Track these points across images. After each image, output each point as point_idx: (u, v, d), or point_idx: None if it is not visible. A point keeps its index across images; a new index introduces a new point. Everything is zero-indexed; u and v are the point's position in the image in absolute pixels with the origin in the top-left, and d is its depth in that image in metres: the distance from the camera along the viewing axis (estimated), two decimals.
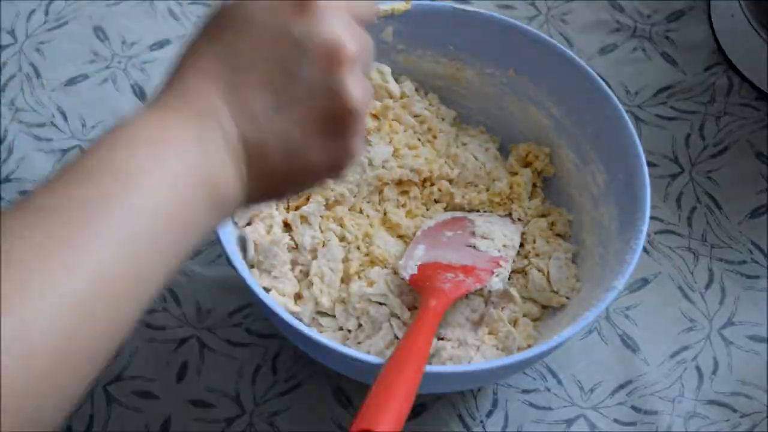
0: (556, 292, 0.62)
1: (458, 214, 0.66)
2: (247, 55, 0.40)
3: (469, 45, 0.68)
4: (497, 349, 0.59)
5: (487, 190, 0.67)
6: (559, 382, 0.64)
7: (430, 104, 0.70)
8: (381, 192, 0.66)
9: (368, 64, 0.43)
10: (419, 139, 0.68)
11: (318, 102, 0.40)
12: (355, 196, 0.65)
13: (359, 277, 0.63)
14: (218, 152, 0.39)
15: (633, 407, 0.63)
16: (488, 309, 0.61)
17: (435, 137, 0.69)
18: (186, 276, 0.66)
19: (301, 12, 0.40)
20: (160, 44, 0.77)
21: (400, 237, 0.65)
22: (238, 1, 0.41)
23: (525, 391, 0.64)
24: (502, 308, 0.61)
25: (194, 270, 0.66)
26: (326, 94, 0.40)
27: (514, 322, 0.61)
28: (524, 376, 0.64)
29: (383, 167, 0.65)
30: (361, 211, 0.65)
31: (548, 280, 0.63)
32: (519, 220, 0.66)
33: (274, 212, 0.63)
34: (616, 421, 0.63)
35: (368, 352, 0.57)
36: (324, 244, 0.63)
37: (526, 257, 0.65)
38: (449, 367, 0.56)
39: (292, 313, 0.58)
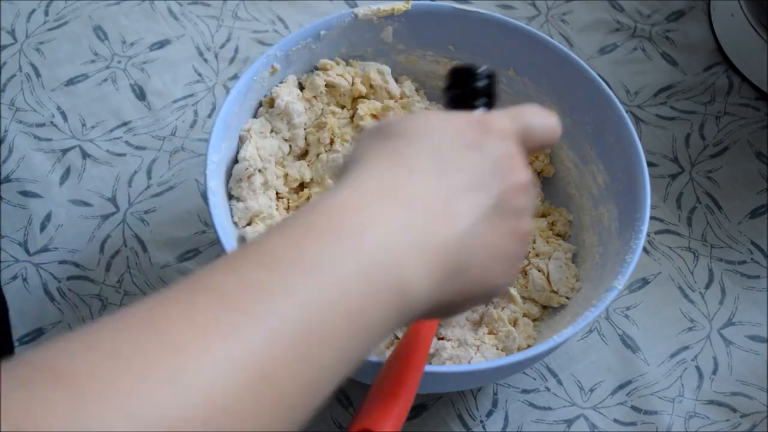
0: (556, 292, 0.62)
1: None
2: (450, 157, 0.39)
3: (469, 45, 0.68)
4: (497, 349, 0.59)
5: None
6: (559, 382, 0.64)
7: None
8: None
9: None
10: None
11: (516, 223, 0.41)
12: None
13: None
14: (418, 253, 0.36)
15: (633, 407, 0.63)
16: (488, 309, 0.61)
17: None
18: (186, 276, 0.66)
19: (485, 132, 0.40)
20: (160, 44, 0.77)
21: None
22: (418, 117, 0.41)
23: (525, 391, 0.63)
24: (502, 308, 0.61)
25: (194, 270, 0.66)
26: (522, 215, 0.41)
27: (514, 322, 0.61)
28: (524, 376, 0.64)
29: None
30: None
31: (548, 280, 0.63)
32: None
33: (274, 213, 0.63)
34: (616, 421, 0.63)
35: None
36: None
37: (526, 257, 0.65)
38: (449, 367, 0.56)
39: None
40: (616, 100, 0.63)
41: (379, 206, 0.36)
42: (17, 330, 0.63)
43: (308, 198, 0.65)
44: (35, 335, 0.63)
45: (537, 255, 0.64)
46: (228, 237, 0.57)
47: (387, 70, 0.67)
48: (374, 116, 0.66)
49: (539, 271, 0.63)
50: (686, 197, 0.72)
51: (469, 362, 0.57)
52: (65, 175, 0.70)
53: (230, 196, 0.62)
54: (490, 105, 0.47)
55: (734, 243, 0.70)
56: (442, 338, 0.59)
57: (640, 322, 0.67)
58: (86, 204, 0.69)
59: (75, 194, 0.69)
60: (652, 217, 0.70)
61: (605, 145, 0.64)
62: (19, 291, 0.65)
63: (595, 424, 0.62)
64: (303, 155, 0.66)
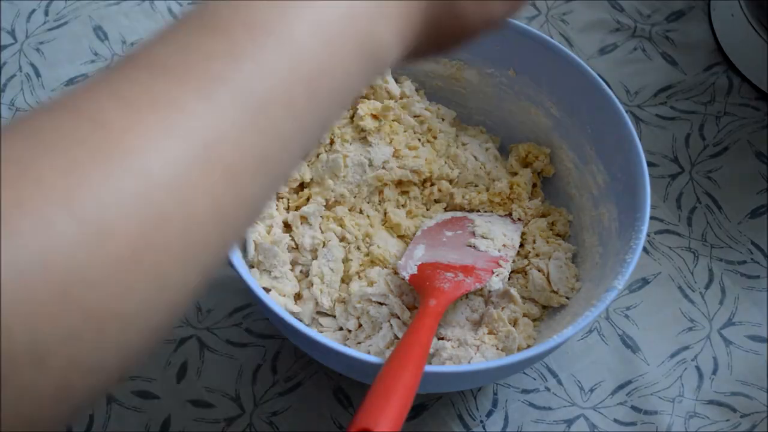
0: (556, 292, 0.62)
1: (458, 214, 0.66)
2: None
3: (469, 45, 0.68)
4: (497, 349, 0.59)
5: (487, 190, 0.67)
6: (559, 382, 0.64)
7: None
8: (381, 192, 0.66)
9: None
10: (419, 140, 0.68)
11: None
12: (355, 197, 0.65)
13: (359, 277, 0.63)
14: None
15: (633, 407, 0.63)
16: (488, 309, 0.61)
17: (435, 137, 0.69)
18: None
19: None
20: None
21: (401, 237, 0.65)
22: None
23: (525, 391, 0.63)
24: (502, 308, 0.61)
25: None
26: None
27: (514, 322, 0.61)
28: (524, 376, 0.64)
29: (383, 168, 0.65)
30: (361, 212, 0.65)
31: (548, 280, 0.63)
32: (519, 220, 0.66)
33: (274, 213, 0.63)
34: (616, 421, 0.63)
35: (368, 352, 0.57)
36: (324, 245, 0.63)
37: (526, 257, 0.65)
38: (449, 367, 0.56)
39: (292, 313, 0.58)
40: (616, 100, 0.63)
41: None
42: None
43: (308, 198, 0.65)
44: None
45: (537, 255, 0.64)
46: None
47: (387, 70, 0.67)
48: (374, 116, 0.66)
49: (539, 271, 0.63)
50: (686, 197, 0.72)
51: (469, 362, 0.57)
52: None
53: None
54: None
55: (734, 243, 0.70)
56: (442, 338, 0.59)
57: (640, 322, 0.67)
58: None
59: None
60: (652, 217, 0.70)
61: (605, 145, 0.64)
62: None
63: (595, 424, 0.62)
64: None
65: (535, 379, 0.64)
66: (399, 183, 0.66)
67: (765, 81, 0.76)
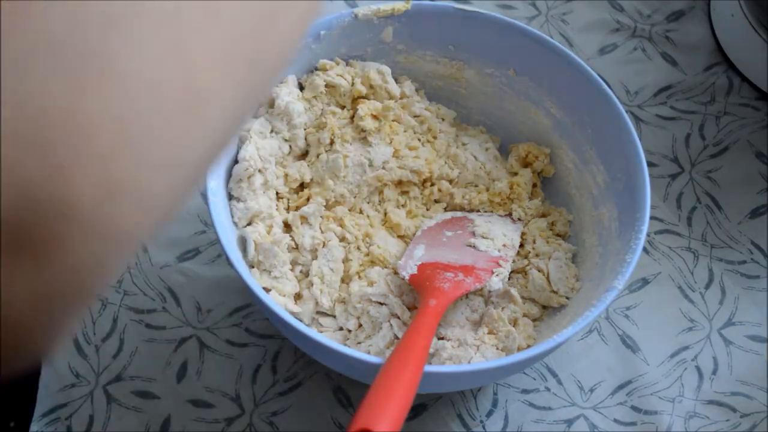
0: (556, 292, 0.62)
1: (458, 214, 0.66)
2: None
3: (469, 45, 0.68)
4: (497, 349, 0.59)
5: (487, 190, 0.67)
6: (559, 382, 0.64)
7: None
8: (381, 192, 0.66)
9: None
10: (419, 140, 0.68)
11: None
12: (355, 197, 0.65)
13: (359, 277, 0.63)
14: None
15: (633, 407, 0.63)
16: (488, 309, 0.61)
17: (435, 137, 0.69)
18: (186, 276, 0.66)
19: None
20: None
21: (401, 237, 0.65)
22: None
23: (525, 391, 0.64)
24: (502, 308, 0.61)
25: (194, 270, 0.66)
26: None
27: (514, 322, 0.61)
28: (524, 376, 0.64)
29: (383, 168, 0.65)
30: (361, 212, 0.65)
31: (548, 280, 0.63)
32: (519, 220, 0.66)
33: (274, 213, 0.63)
34: (616, 421, 0.63)
35: (368, 352, 0.57)
36: (324, 245, 0.63)
37: (526, 257, 0.65)
38: (449, 367, 0.56)
39: (292, 313, 0.58)
40: (616, 100, 0.63)
41: None
42: None
43: (308, 198, 0.65)
44: None
45: (537, 255, 0.64)
46: (228, 237, 0.57)
47: (387, 70, 0.67)
48: (374, 117, 0.66)
49: (539, 271, 0.63)
50: (686, 197, 0.72)
51: (469, 362, 0.57)
52: None
53: (230, 197, 0.62)
54: None
55: (734, 243, 0.70)
56: (442, 338, 0.59)
57: (640, 322, 0.67)
58: None
59: None
60: (652, 217, 0.70)
61: (605, 145, 0.64)
62: None
63: (595, 424, 0.62)
64: (303, 155, 0.66)
65: (535, 379, 0.64)
66: (399, 183, 0.66)
67: (765, 81, 0.76)
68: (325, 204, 0.64)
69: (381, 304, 0.60)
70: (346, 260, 0.63)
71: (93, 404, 0.61)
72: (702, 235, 0.71)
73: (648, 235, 0.63)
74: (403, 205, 0.66)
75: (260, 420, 0.61)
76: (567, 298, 0.62)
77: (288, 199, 0.65)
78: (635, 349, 0.65)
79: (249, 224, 0.62)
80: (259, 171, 0.62)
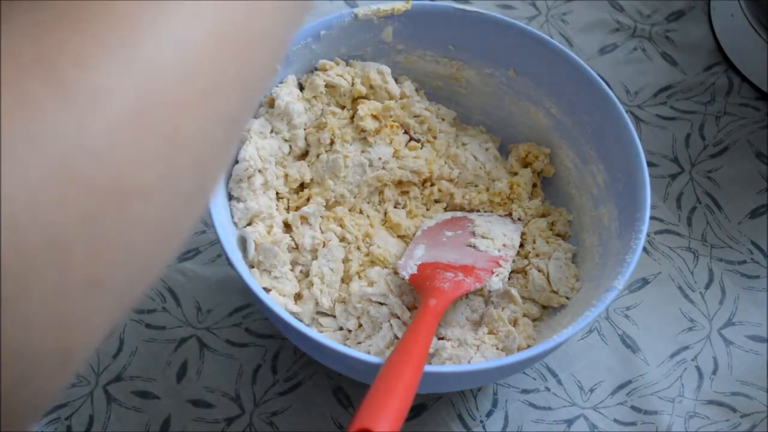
0: (556, 292, 0.62)
1: (458, 214, 0.67)
2: None
3: (469, 45, 0.68)
4: (497, 349, 0.59)
5: (487, 190, 0.67)
6: (559, 382, 0.64)
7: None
8: (381, 192, 0.66)
9: None
10: (419, 140, 0.68)
11: None
12: (355, 197, 0.65)
13: (359, 277, 0.63)
14: None
15: (633, 407, 0.63)
16: (488, 309, 0.61)
17: (435, 137, 0.69)
18: (186, 276, 0.66)
19: None
20: None
21: (401, 237, 0.65)
22: None
23: (525, 391, 0.64)
24: (502, 308, 0.61)
25: (194, 270, 0.66)
26: None
27: (514, 322, 0.61)
28: (524, 376, 0.64)
29: (383, 168, 0.65)
30: (361, 212, 0.65)
31: (548, 280, 0.63)
32: (519, 220, 0.66)
33: (274, 213, 0.63)
34: (616, 421, 0.63)
35: (368, 352, 0.57)
36: (324, 245, 0.63)
37: (526, 257, 0.65)
38: (449, 367, 0.56)
39: (292, 313, 0.58)
40: (616, 100, 0.63)
41: None
42: None
43: (308, 198, 0.65)
44: None
45: (537, 255, 0.64)
46: (228, 237, 0.57)
47: (387, 70, 0.67)
48: (375, 117, 0.66)
49: (539, 271, 0.63)
50: (686, 197, 0.72)
51: (469, 362, 0.57)
52: None
53: (230, 197, 0.62)
54: None
55: (734, 243, 0.70)
56: (442, 338, 0.59)
57: (640, 322, 0.67)
58: None
59: None
60: (652, 217, 0.70)
61: (605, 145, 0.64)
62: None
63: (595, 424, 0.62)
64: (303, 155, 0.66)
65: (535, 379, 0.64)
66: (399, 183, 0.66)
67: (765, 81, 0.76)
68: (325, 204, 0.64)
69: (381, 304, 0.60)
70: (346, 260, 0.63)
71: (93, 404, 0.61)
72: (702, 235, 0.71)
73: (648, 235, 0.63)
74: (403, 206, 0.67)
75: (260, 420, 0.61)
76: (567, 298, 0.62)
77: (288, 199, 0.65)
78: (635, 349, 0.65)
79: (249, 224, 0.62)
80: (259, 171, 0.62)
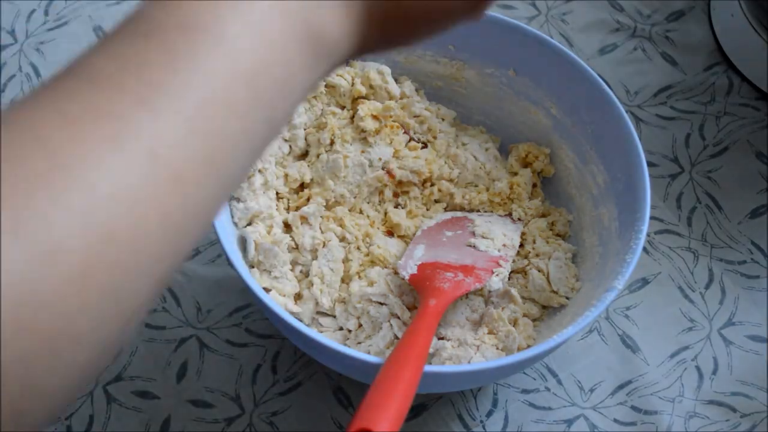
0: (556, 292, 0.62)
1: (458, 214, 0.66)
2: None
3: (469, 45, 0.68)
4: (497, 349, 0.59)
5: (487, 190, 0.67)
6: (559, 382, 0.64)
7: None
8: (381, 193, 0.66)
9: None
10: (419, 140, 0.68)
11: None
12: (355, 197, 0.65)
13: (359, 277, 0.63)
14: None
15: (633, 407, 0.63)
16: (488, 309, 0.61)
17: (435, 137, 0.69)
18: (186, 276, 0.66)
19: None
20: None
21: (401, 237, 0.65)
22: None
23: (525, 391, 0.63)
24: (502, 308, 0.61)
25: (194, 270, 0.66)
26: None
27: (514, 322, 0.61)
28: (524, 376, 0.64)
29: (383, 168, 0.65)
30: (361, 212, 0.65)
31: (548, 280, 0.63)
32: (519, 220, 0.66)
33: (274, 213, 0.63)
34: (616, 421, 0.63)
35: (368, 352, 0.57)
36: (324, 245, 0.63)
37: (526, 257, 0.65)
38: (449, 367, 0.56)
39: (292, 313, 0.58)
40: (616, 100, 0.63)
41: None
42: None
43: (308, 198, 0.65)
44: None
45: (537, 255, 0.64)
46: (228, 237, 0.57)
47: (387, 70, 0.67)
48: (375, 117, 0.66)
49: (539, 271, 0.63)
50: (686, 197, 0.72)
51: (469, 362, 0.57)
52: None
53: (230, 197, 0.62)
54: None
55: (734, 243, 0.70)
56: (442, 338, 0.59)
57: (640, 322, 0.67)
58: None
59: None
60: (652, 217, 0.70)
61: (605, 145, 0.64)
62: None
63: (595, 424, 0.62)
64: (303, 155, 0.66)
65: (535, 379, 0.64)
66: (399, 183, 0.66)
67: (765, 81, 0.76)
68: (325, 204, 0.64)
69: (381, 304, 0.60)
70: (346, 260, 0.63)
71: (93, 404, 0.61)
72: (702, 235, 0.71)
73: (648, 235, 0.63)
74: (403, 206, 0.66)
75: (260, 420, 0.61)
76: (567, 298, 0.62)
77: (288, 200, 0.65)
78: (635, 349, 0.65)
79: (249, 224, 0.62)
80: (259, 171, 0.62)
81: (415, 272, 0.61)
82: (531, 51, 0.66)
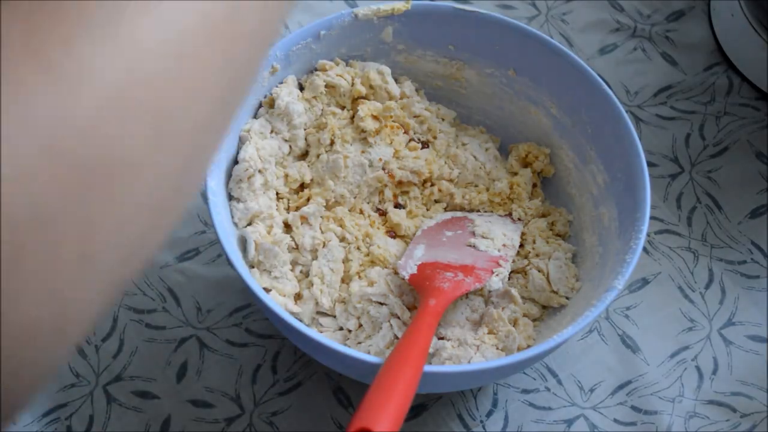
0: (556, 292, 0.62)
1: (458, 214, 0.67)
2: None
3: (469, 45, 0.68)
4: (497, 349, 0.59)
5: (487, 190, 0.67)
6: (559, 382, 0.64)
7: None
8: (381, 193, 0.66)
9: None
10: (419, 140, 0.68)
11: None
12: (355, 197, 0.65)
13: (359, 277, 0.63)
14: None
15: (633, 407, 0.63)
16: (488, 309, 0.61)
17: (435, 137, 0.69)
18: (186, 276, 0.66)
19: None
20: None
21: (401, 237, 0.65)
22: None
23: (525, 391, 0.64)
24: (502, 308, 0.61)
25: (194, 270, 0.66)
26: None
27: (514, 322, 0.61)
28: (524, 376, 0.64)
29: (383, 168, 0.65)
30: (361, 212, 0.65)
31: (548, 280, 0.63)
32: (519, 220, 0.66)
33: (274, 213, 0.63)
34: (616, 421, 0.63)
35: (368, 352, 0.57)
36: (324, 245, 0.63)
37: (526, 257, 0.65)
38: (449, 367, 0.56)
39: (292, 313, 0.58)
40: (616, 100, 0.63)
41: None
42: None
43: (308, 198, 0.65)
44: None
45: (537, 255, 0.64)
46: (228, 237, 0.57)
47: (387, 70, 0.67)
48: (375, 117, 0.66)
49: (539, 271, 0.63)
50: (686, 197, 0.72)
51: (469, 362, 0.57)
52: None
53: (230, 197, 0.62)
54: None
55: (734, 243, 0.70)
56: (442, 338, 0.59)
57: (640, 322, 0.67)
58: None
59: None
60: (652, 217, 0.70)
61: (605, 145, 0.64)
62: None
63: (595, 424, 0.62)
64: (303, 156, 0.66)
65: (535, 379, 0.64)
66: (399, 183, 0.66)
67: (765, 81, 0.76)
68: (325, 204, 0.64)
69: (381, 304, 0.60)
70: (346, 260, 0.63)
71: (93, 404, 0.61)
72: (702, 235, 0.71)
73: (648, 235, 0.63)
74: (403, 206, 0.67)
75: (260, 420, 0.61)
76: (567, 298, 0.62)
77: (288, 200, 0.65)
78: (635, 349, 0.65)
79: (249, 224, 0.62)
80: (259, 171, 0.62)
81: (415, 272, 0.61)
82: (531, 51, 0.66)
